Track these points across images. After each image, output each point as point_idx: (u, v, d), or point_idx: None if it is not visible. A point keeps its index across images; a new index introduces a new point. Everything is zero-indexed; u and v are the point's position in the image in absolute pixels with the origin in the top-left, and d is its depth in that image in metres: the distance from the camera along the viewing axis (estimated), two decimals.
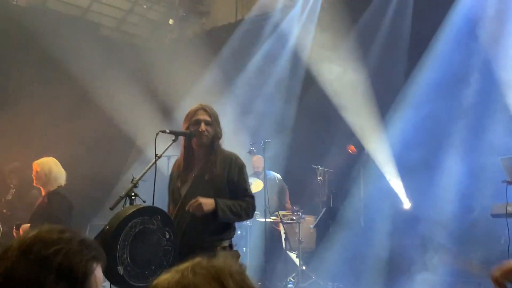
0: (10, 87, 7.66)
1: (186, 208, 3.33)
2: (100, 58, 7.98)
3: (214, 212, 3.33)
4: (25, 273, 1.23)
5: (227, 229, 3.50)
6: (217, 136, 3.53)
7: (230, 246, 3.52)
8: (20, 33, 7.64)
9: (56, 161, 4.90)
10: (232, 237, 3.55)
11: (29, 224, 4.74)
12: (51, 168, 4.80)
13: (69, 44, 7.70)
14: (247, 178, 3.59)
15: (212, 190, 3.41)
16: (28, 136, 7.31)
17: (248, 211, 3.50)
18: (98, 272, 1.34)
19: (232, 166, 3.51)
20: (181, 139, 3.60)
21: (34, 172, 4.82)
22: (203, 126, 3.49)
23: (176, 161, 3.72)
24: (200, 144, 3.51)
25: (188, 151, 3.59)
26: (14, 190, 6.51)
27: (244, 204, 3.47)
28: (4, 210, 6.26)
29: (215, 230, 3.41)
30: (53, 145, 7.22)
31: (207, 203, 3.33)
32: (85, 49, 7.91)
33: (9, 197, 6.39)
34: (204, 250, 3.33)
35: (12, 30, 7.66)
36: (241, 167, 3.54)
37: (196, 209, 3.31)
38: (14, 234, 4.87)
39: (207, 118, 3.52)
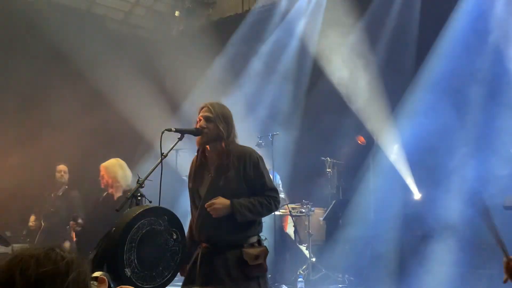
0: (15, 82, 7.64)
1: (206, 205, 3.31)
2: (107, 52, 7.94)
3: (232, 214, 3.30)
4: None
5: (253, 225, 3.44)
6: (219, 134, 3.43)
7: (258, 241, 3.47)
8: (25, 27, 7.60)
9: (122, 163, 5.00)
10: (259, 232, 3.50)
11: None
12: (116, 172, 4.94)
13: (75, 37, 7.66)
14: (265, 172, 3.48)
15: (230, 192, 3.35)
16: (34, 132, 7.30)
17: (269, 207, 3.42)
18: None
19: (247, 163, 3.42)
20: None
21: (100, 176, 4.92)
22: (201, 123, 3.44)
23: (193, 160, 3.67)
24: (201, 141, 3.47)
25: (200, 149, 3.56)
26: (67, 186, 6.60)
27: (264, 200, 3.39)
28: (51, 209, 6.32)
29: (240, 228, 3.36)
30: (57, 142, 7.22)
31: (223, 207, 3.29)
32: (91, 42, 7.87)
33: (60, 193, 6.46)
34: (232, 249, 3.33)
35: (18, 23, 7.62)
36: (256, 163, 3.44)
37: (212, 212, 3.29)
38: (72, 226, 5.07)
39: (208, 114, 3.44)
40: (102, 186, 5.00)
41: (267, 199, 3.42)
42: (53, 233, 6.11)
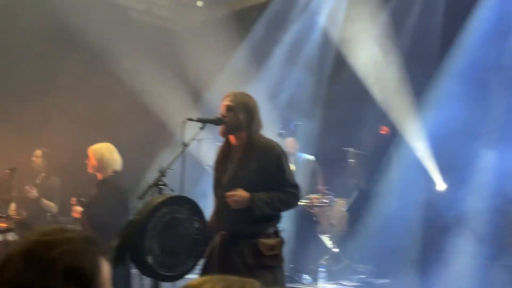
0: (36, 71, 7.70)
1: (226, 195, 3.32)
2: (129, 41, 7.97)
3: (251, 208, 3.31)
4: (31, 281, 1.22)
5: (271, 216, 3.44)
6: (239, 123, 3.43)
7: (275, 232, 3.47)
8: (45, 16, 7.62)
9: (110, 146, 4.88)
10: (278, 222, 3.50)
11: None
12: (103, 154, 4.79)
13: (96, 27, 7.68)
14: (287, 167, 3.46)
15: (249, 184, 3.35)
16: (52, 121, 7.33)
17: (289, 203, 3.42)
18: (105, 267, 1.32)
19: (270, 157, 3.41)
20: None
21: (87, 159, 4.87)
22: (222, 111, 3.44)
23: (219, 149, 3.68)
24: (223, 131, 3.46)
25: (225, 139, 3.56)
26: (44, 174, 6.44)
27: (284, 196, 3.38)
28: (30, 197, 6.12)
29: (258, 219, 3.36)
30: (76, 131, 7.24)
31: (242, 199, 3.29)
32: (113, 32, 7.89)
33: (38, 181, 6.36)
34: (248, 239, 3.34)
35: (37, 12, 7.64)
36: (279, 157, 3.42)
37: (231, 203, 3.30)
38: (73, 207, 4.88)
39: (230, 103, 3.43)
40: (89, 170, 4.92)
41: (287, 195, 3.41)
42: (34, 222, 5.96)
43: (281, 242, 3.44)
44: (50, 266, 1.22)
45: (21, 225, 5.24)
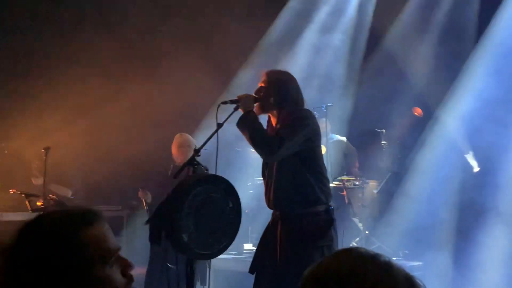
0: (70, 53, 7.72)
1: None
2: (154, 21, 7.94)
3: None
4: None
5: (320, 194, 3.37)
6: (273, 100, 3.41)
7: (326, 211, 3.40)
8: None
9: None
10: (327, 201, 3.42)
11: None
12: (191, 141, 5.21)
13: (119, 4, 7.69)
14: (295, 126, 3.34)
15: (291, 160, 3.36)
16: (79, 107, 7.32)
17: (262, 144, 3.30)
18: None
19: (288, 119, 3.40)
20: None
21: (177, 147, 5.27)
22: (255, 91, 3.46)
23: None
24: (258, 110, 3.43)
25: (267, 119, 3.58)
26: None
27: (266, 137, 3.33)
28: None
29: (307, 198, 3.35)
30: (108, 115, 7.26)
31: (247, 106, 3.33)
32: (138, 9, 7.87)
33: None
34: (297, 217, 3.35)
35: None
36: (296, 117, 3.37)
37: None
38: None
39: (263, 82, 3.47)
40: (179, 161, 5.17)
41: (268, 138, 3.33)
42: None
43: (331, 221, 3.40)
44: None
45: (57, 204, 5.34)
